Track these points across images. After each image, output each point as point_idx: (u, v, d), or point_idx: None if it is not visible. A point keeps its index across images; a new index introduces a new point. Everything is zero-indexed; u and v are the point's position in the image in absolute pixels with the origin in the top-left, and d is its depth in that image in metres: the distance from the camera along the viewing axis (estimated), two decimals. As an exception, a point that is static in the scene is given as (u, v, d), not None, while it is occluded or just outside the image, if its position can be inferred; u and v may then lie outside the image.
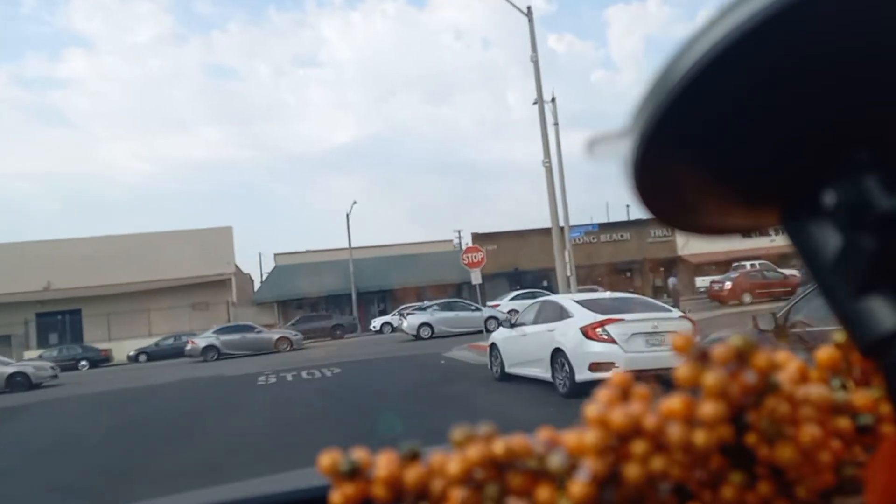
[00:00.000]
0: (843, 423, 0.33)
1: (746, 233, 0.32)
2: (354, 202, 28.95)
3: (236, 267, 31.12)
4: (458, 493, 0.33)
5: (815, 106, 0.24)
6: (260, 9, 62.05)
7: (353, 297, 27.04)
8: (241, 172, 56.80)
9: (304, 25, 63.78)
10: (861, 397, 0.34)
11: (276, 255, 33.14)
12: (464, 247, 34.64)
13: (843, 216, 0.24)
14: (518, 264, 31.63)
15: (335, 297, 28.72)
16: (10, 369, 18.19)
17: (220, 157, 56.42)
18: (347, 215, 28.81)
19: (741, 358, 0.31)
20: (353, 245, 28.74)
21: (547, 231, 31.95)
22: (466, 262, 14.62)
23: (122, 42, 55.60)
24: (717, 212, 0.29)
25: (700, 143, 0.26)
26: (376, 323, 26.27)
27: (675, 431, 0.31)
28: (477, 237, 32.44)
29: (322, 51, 66.36)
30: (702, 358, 0.31)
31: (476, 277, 14.34)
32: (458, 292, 32.03)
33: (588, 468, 0.31)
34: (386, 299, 31.67)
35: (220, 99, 56.84)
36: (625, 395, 0.33)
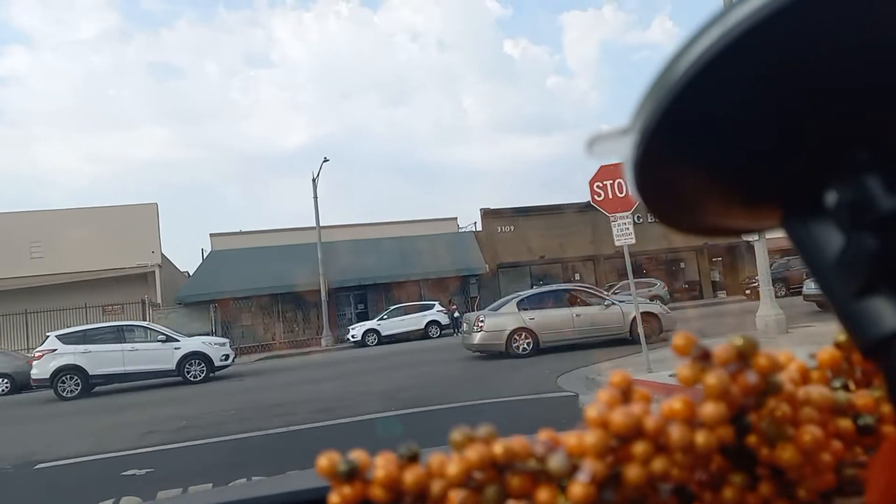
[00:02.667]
0: (844, 423, 0.40)
1: (748, 233, 0.37)
2: (326, 159, 24.93)
3: (163, 257, 26.91)
4: (457, 495, 0.38)
5: (816, 105, 0.28)
6: (209, 6, 75.14)
7: (323, 293, 23.80)
8: (190, 174, 66.37)
9: (256, 25, 77.84)
10: (862, 398, 0.41)
11: (212, 235, 27.35)
12: (467, 227, 29.55)
13: (845, 216, 0.29)
14: (544, 251, 27.66)
15: (295, 296, 24.83)
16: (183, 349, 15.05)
17: (168, 158, 65.40)
18: (314, 180, 24.81)
19: (742, 358, 0.37)
20: (322, 223, 24.77)
21: (576, 207, 27.87)
22: (600, 199, 8.98)
23: (64, 38, 64.16)
24: (719, 212, 0.35)
25: (700, 143, 0.31)
26: (355, 330, 23.05)
27: (676, 432, 0.36)
28: (488, 214, 28.27)
29: (274, 51, 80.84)
30: (703, 358, 0.37)
31: (625, 233, 8.89)
32: (463, 287, 27.38)
33: (588, 469, 0.37)
34: (366, 297, 27.26)
35: (168, 98, 65.78)
36: (625, 396, 0.39)
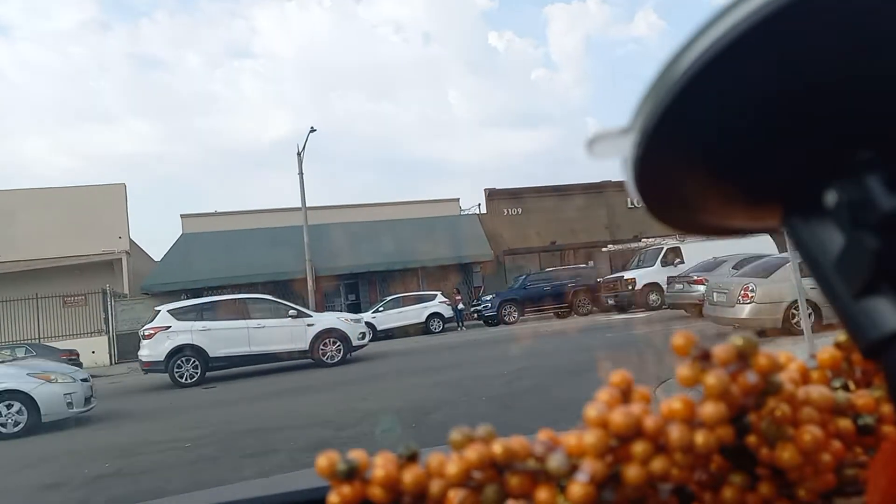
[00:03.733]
0: (844, 423, 0.43)
1: (748, 233, 0.40)
2: (312, 129, 23.05)
3: (132, 244, 25.70)
4: (456, 495, 0.41)
5: (818, 105, 0.30)
6: None
7: (309, 282, 22.28)
8: (171, 166, 68.87)
9: (237, 15, 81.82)
10: (862, 398, 0.44)
11: (183, 216, 25.83)
12: (470, 209, 27.99)
13: (846, 216, 0.31)
14: (554, 236, 26.76)
15: (278, 285, 22.99)
16: (320, 324, 13.58)
17: (148, 151, 67.69)
18: (300, 154, 22.98)
19: (743, 358, 0.39)
20: (308, 204, 23.15)
21: (591, 188, 27.19)
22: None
23: (41, 29, 66.65)
24: (719, 211, 0.37)
25: (701, 142, 0.32)
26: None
27: (675, 432, 0.39)
28: (493, 195, 26.96)
29: (256, 43, 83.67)
30: (703, 358, 0.39)
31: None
32: (465, 275, 26.23)
33: (588, 469, 0.39)
34: (358, 287, 26.04)
35: (148, 91, 68.31)
36: (625, 395, 0.42)
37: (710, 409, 0.39)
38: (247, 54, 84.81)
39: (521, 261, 27.25)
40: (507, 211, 27.67)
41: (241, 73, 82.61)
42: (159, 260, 26.39)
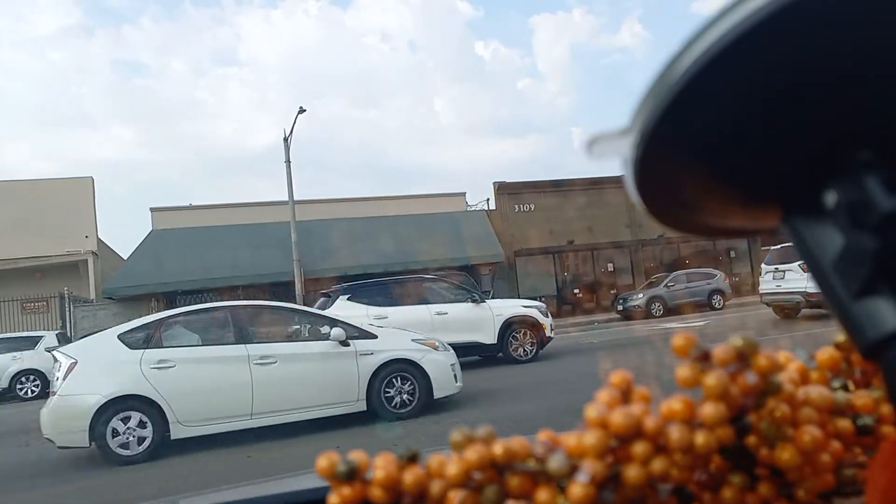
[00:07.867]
0: (844, 424, 0.45)
1: (747, 234, 0.42)
2: (302, 109, 21.37)
3: (101, 244, 24.33)
4: (456, 496, 0.43)
5: (816, 105, 0.31)
6: (175, 4, 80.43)
7: (298, 285, 21.08)
8: (156, 173, 69.62)
9: (223, 23, 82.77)
10: (861, 398, 0.46)
11: (153, 210, 23.99)
12: (477, 205, 26.45)
13: (845, 216, 0.33)
14: (570, 235, 25.41)
15: (262, 289, 22.11)
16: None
17: (132, 158, 67.34)
18: (286, 140, 21.49)
19: (742, 359, 0.41)
20: (296, 197, 21.69)
21: (610, 182, 25.08)
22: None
23: (22, 34, 68.36)
24: (718, 212, 0.39)
25: (700, 143, 0.34)
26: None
27: (675, 433, 0.40)
28: (503, 189, 25.29)
29: (242, 49, 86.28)
30: (703, 359, 0.41)
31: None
32: (473, 279, 21.56)
33: (588, 470, 0.41)
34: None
35: (132, 97, 67.96)
36: (625, 396, 0.44)
37: (709, 410, 0.41)
38: (233, 61, 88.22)
39: (533, 262, 25.60)
40: (518, 207, 25.50)
41: (227, 79, 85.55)
42: (125, 260, 24.53)
